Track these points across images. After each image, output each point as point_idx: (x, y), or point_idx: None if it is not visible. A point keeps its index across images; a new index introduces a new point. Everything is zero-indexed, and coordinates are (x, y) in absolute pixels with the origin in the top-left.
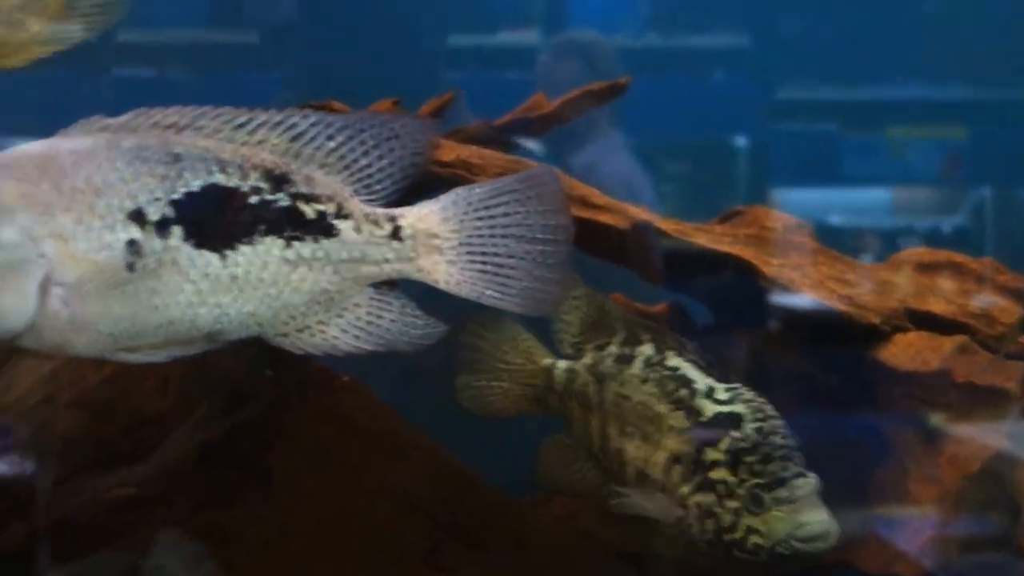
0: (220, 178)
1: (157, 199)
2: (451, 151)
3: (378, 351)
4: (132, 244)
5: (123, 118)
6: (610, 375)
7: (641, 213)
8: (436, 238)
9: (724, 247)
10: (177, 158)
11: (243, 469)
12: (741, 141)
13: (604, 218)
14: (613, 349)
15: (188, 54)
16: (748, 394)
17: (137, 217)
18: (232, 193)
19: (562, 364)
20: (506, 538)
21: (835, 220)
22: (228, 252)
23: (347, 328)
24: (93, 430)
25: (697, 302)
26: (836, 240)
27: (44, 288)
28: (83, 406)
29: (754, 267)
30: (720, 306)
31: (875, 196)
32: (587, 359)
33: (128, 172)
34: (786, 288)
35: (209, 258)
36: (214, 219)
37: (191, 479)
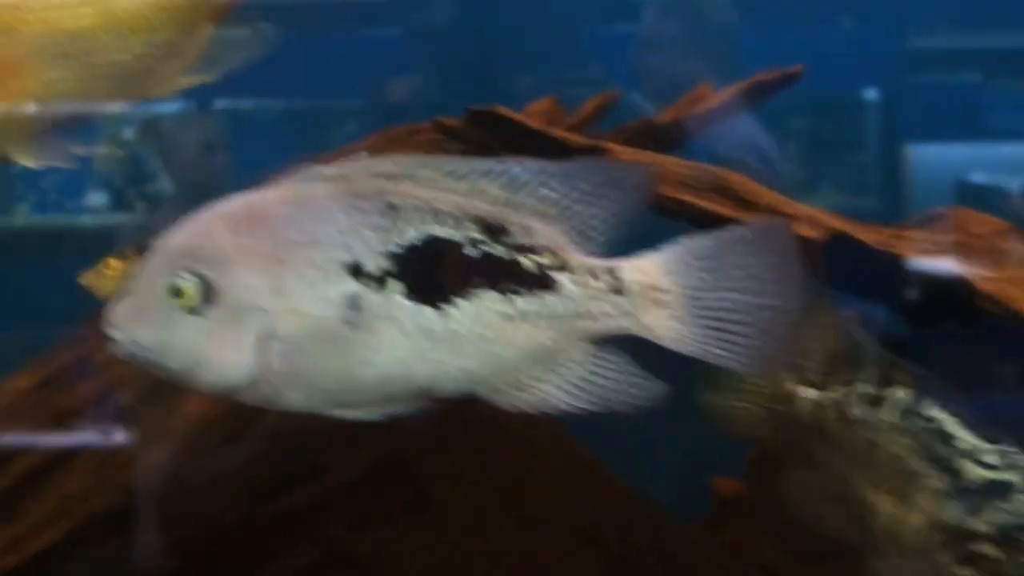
0: (437, 229)
1: (375, 251)
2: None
3: (595, 410)
4: (350, 298)
5: (337, 167)
6: (860, 417)
7: (831, 219)
8: (660, 292)
9: (932, 257)
10: (394, 208)
11: (404, 488)
12: (871, 94)
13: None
14: (864, 388)
15: None
16: (1022, 460)
17: (355, 270)
18: (450, 245)
19: (808, 393)
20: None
21: (978, 178)
22: (446, 306)
23: (564, 386)
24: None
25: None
26: (980, 200)
27: (263, 342)
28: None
29: (968, 283)
30: (925, 322)
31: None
32: (834, 393)
33: (346, 223)
34: (1007, 307)
35: (427, 312)
36: (432, 272)
37: (351, 497)
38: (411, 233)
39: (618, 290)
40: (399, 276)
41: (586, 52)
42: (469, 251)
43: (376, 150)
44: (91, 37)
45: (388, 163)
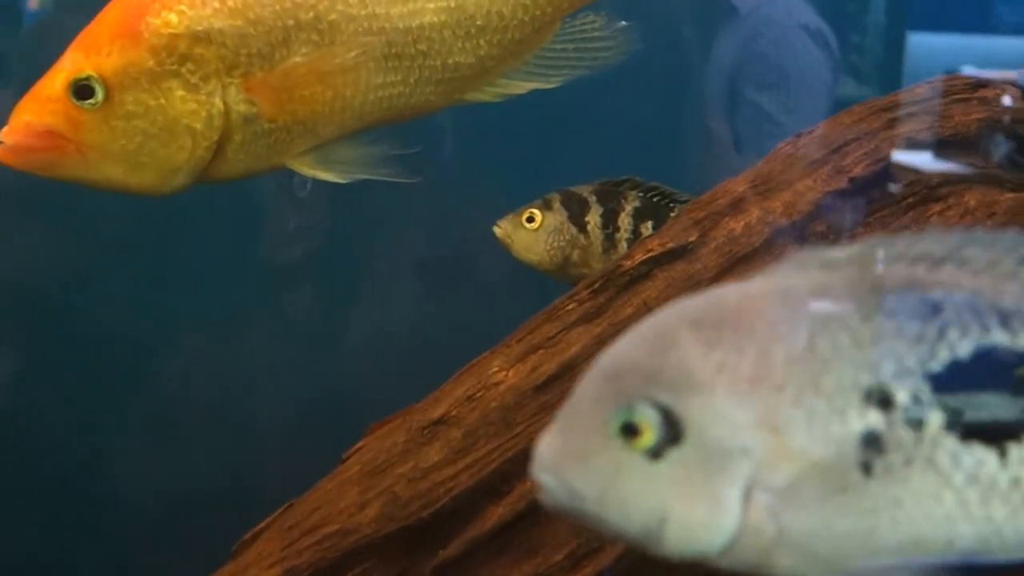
0: (1001, 338)
1: (908, 371)
2: None
3: None
4: (870, 436)
5: (850, 250)
6: None
7: None
8: None
9: None
10: (936, 309)
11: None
12: None
13: None
14: None
15: None
16: None
17: (880, 398)
18: (1019, 360)
19: None
20: None
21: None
22: (1010, 445)
23: None
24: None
25: None
26: None
27: (747, 494)
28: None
29: None
30: None
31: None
32: None
33: (865, 332)
34: None
35: (982, 455)
36: (991, 399)
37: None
38: (963, 345)
39: None
40: (943, 406)
41: None
42: None
43: (834, 134)
44: (432, 36)
45: (926, 242)
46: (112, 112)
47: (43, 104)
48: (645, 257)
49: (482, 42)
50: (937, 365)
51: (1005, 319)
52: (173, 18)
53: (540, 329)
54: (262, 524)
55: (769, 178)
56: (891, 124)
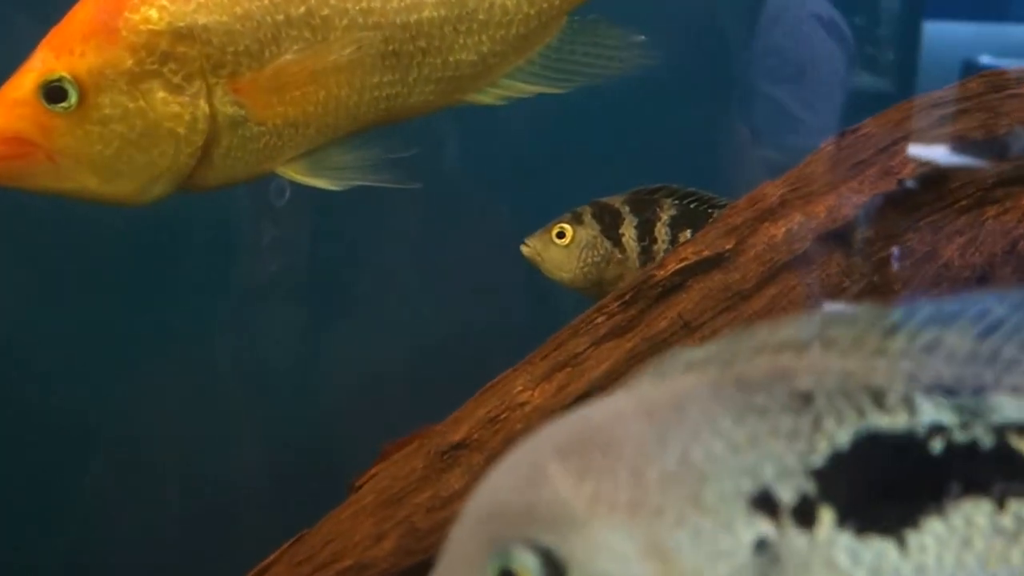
0: (878, 419)
1: (790, 471)
2: None
3: None
4: (762, 545)
5: (710, 348)
6: None
7: None
8: None
9: None
10: (807, 399)
11: None
12: None
13: None
14: None
15: None
16: None
17: (764, 503)
18: (903, 441)
19: None
20: None
21: (985, 60)
22: (908, 533)
23: None
24: None
25: None
26: None
27: None
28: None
29: None
30: None
31: None
32: None
33: (740, 435)
34: None
35: (880, 547)
36: (880, 487)
37: None
38: (841, 433)
39: None
40: (831, 501)
41: None
42: (933, 444)
43: (881, 133)
44: (432, 32)
45: (785, 327)
46: (87, 116)
47: (10, 108)
48: (679, 266)
49: (484, 38)
50: (818, 459)
51: (879, 398)
52: (153, 13)
53: (566, 345)
54: (270, 558)
55: (811, 180)
56: (942, 121)
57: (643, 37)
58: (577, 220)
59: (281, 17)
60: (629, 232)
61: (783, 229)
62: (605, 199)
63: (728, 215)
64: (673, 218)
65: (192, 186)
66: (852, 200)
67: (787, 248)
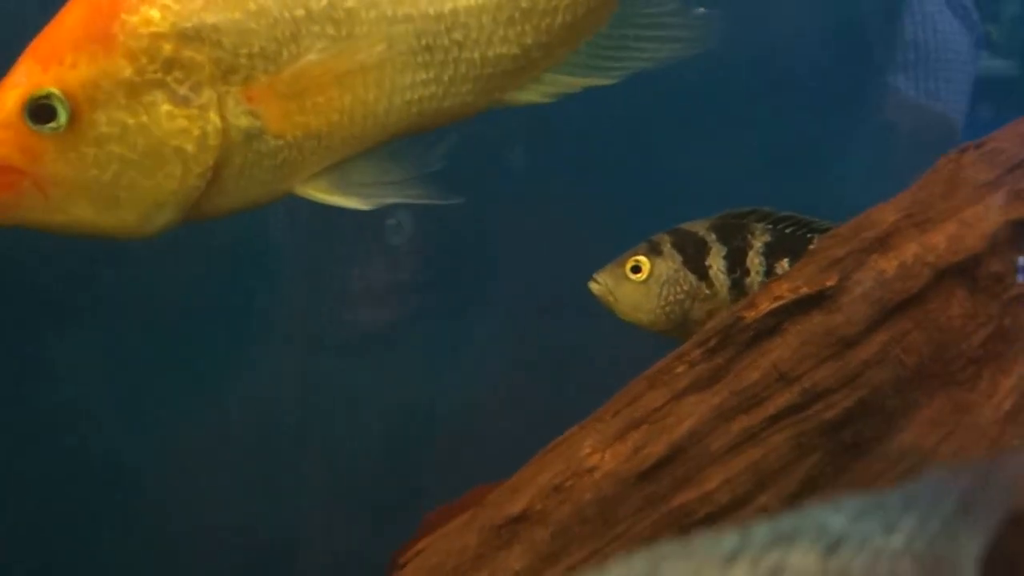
0: None
1: None
2: None
3: None
4: None
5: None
6: None
7: None
8: None
9: None
10: None
11: None
12: None
13: None
14: None
15: None
16: None
17: None
18: None
19: None
20: None
21: None
22: None
23: None
24: None
25: None
26: None
27: None
28: None
29: None
30: None
31: None
32: None
33: None
34: None
35: None
36: None
37: None
38: None
39: None
40: None
41: None
42: None
43: (1009, 148)
44: (468, 23)
45: (614, 568)
46: (80, 137)
47: None
48: (773, 307)
49: (527, 28)
50: None
51: None
52: (155, 14)
53: (642, 399)
54: None
55: (928, 205)
56: None
57: (702, 9)
58: (654, 250)
59: (301, 11)
60: (717, 264)
61: (895, 263)
62: (686, 225)
63: (830, 245)
64: (767, 245)
65: (200, 214)
66: (977, 228)
67: (900, 286)
